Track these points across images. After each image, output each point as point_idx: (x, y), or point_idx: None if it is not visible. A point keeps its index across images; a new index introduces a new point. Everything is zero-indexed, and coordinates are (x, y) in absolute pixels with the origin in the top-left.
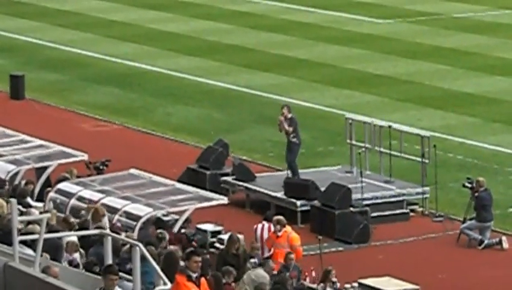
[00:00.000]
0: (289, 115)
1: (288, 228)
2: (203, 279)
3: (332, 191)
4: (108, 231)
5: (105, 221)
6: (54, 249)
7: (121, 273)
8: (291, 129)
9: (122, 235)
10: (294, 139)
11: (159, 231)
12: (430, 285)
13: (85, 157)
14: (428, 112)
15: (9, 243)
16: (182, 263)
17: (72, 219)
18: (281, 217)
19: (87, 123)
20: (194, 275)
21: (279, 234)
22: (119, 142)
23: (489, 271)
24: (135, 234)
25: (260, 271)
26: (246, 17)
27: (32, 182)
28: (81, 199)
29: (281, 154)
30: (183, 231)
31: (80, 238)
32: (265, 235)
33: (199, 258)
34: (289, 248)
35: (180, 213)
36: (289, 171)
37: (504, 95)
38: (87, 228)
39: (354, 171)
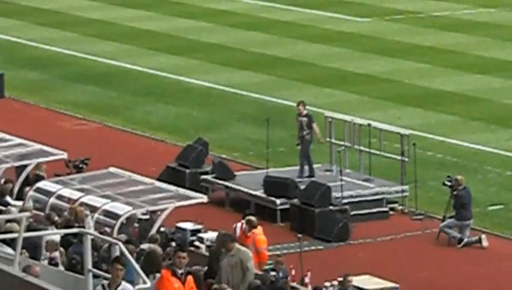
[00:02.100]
0: (304, 112)
1: (257, 230)
2: (189, 277)
3: (312, 190)
4: (90, 230)
5: (89, 221)
6: (32, 248)
7: (100, 272)
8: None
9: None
10: (308, 136)
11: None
12: (410, 283)
13: (64, 155)
14: (408, 110)
15: None
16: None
17: (56, 218)
18: (251, 218)
19: (66, 122)
20: (180, 272)
21: (248, 234)
22: (99, 141)
23: (469, 269)
24: (115, 233)
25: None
26: (225, 15)
27: (12, 181)
28: (60, 197)
29: (261, 153)
30: (162, 229)
31: (61, 237)
32: None
33: (184, 255)
34: (254, 249)
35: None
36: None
37: (483, 93)
38: (72, 227)
39: (333, 169)
